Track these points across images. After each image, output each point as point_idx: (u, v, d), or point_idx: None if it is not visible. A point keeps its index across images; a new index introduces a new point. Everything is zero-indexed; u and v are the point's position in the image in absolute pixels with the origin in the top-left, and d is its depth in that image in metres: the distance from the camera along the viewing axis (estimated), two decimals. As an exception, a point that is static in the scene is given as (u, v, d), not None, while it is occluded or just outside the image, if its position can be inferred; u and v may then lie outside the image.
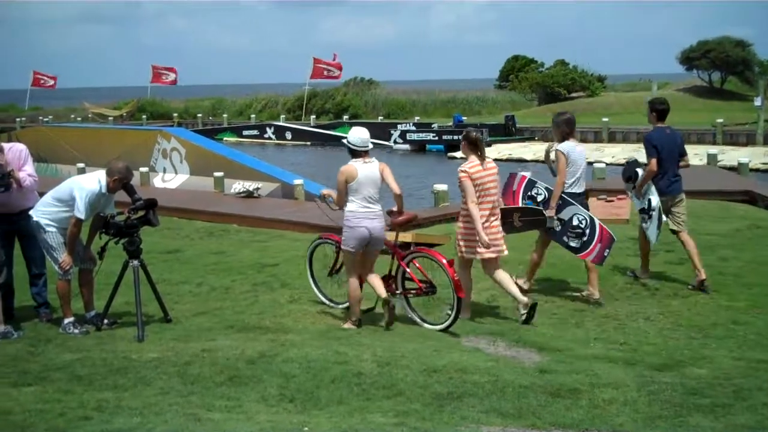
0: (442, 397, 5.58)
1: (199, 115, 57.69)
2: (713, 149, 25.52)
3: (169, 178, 20.99)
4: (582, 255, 8.54)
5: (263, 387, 5.82)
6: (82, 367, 6.36)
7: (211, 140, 23.98)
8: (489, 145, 36.28)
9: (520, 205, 8.77)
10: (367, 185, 7.54)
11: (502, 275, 8.07)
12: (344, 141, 7.76)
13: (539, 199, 8.77)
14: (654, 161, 9.04)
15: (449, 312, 7.59)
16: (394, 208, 7.89)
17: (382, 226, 7.67)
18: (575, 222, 8.47)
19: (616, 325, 7.83)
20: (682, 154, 9.38)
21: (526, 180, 8.98)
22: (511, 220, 8.52)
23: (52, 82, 65.43)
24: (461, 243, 8.02)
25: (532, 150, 34.91)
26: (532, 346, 7.03)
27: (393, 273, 8.06)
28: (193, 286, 9.66)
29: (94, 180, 7.54)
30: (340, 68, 53.95)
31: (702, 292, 8.80)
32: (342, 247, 7.81)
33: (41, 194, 7.92)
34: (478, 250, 7.87)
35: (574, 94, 55.98)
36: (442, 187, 16.43)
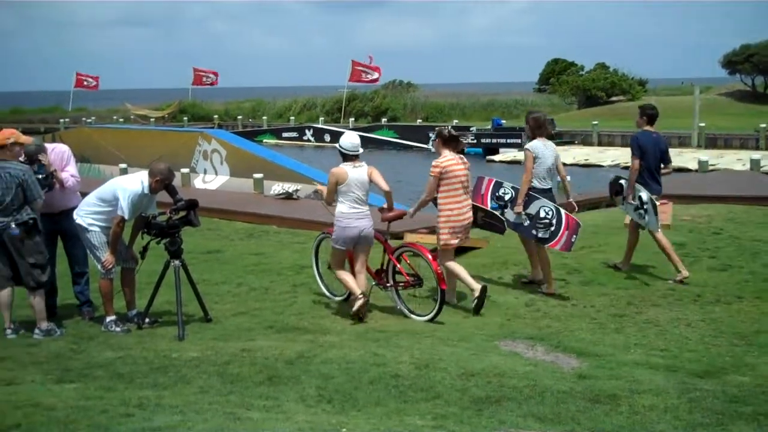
0: (480, 400, 5.57)
1: (240, 117, 58.08)
2: (756, 154, 25.10)
3: (210, 180, 21.13)
4: (551, 244, 8.89)
5: (302, 387, 5.85)
6: (123, 365, 6.44)
7: (250, 142, 24.08)
8: (528, 148, 36.02)
9: (488, 207, 9.33)
10: (356, 187, 8.08)
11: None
12: (337, 146, 8.36)
13: (507, 198, 9.31)
14: (637, 162, 9.46)
15: (435, 303, 8.15)
16: (385, 205, 8.45)
17: (370, 225, 8.20)
18: (542, 214, 8.88)
19: (657, 331, 7.74)
20: (666, 160, 9.77)
21: (494, 182, 9.54)
22: (476, 217, 8.97)
23: (94, 83, 66.29)
24: (441, 233, 8.54)
25: (572, 154, 34.65)
26: (571, 351, 6.99)
27: (384, 267, 8.58)
28: (233, 287, 9.74)
29: (137, 181, 7.64)
30: (378, 71, 53.99)
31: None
32: (332, 244, 8.36)
33: (84, 194, 8.04)
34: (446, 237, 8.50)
35: (614, 98, 55.45)
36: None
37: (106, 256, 7.67)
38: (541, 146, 9.08)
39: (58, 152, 8.14)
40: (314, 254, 9.40)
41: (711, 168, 22.76)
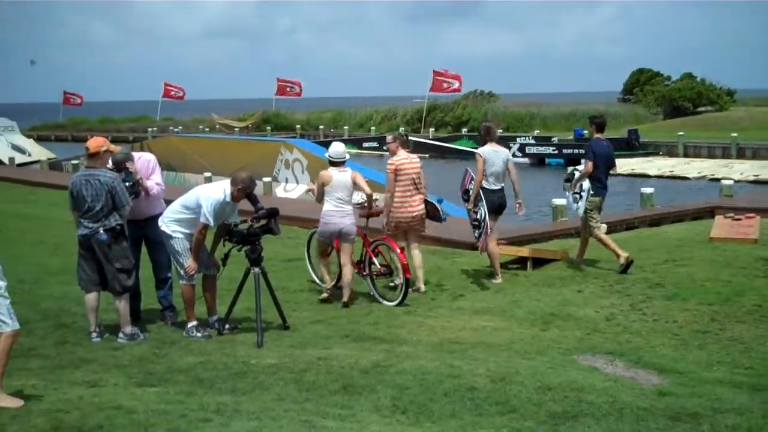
0: (556, 415, 5.49)
1: (321, 126, 58.72)
2: None
3: (291, 188, 21.42)
4: (479, 244, 10.14)
5: (377, 397, 5.87)
6: (203, 371, 6.57)
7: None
8: (611, 159, 35.40)
9: (462, 196, 10.46)
10: (339, 189, 9.21)
11: (416, 253, 9.96)
12: (326, 154, 9.55)
13: (471, 192, 10.31)
14: (590, 164, 10.50)
15: (401, 289, 9.28)
16: (365, 203, 9.65)
17: (351, 222, 9.32)
18: (478, 216, 10.01)
19: (742, 349, 7.51)
20: (612, 164, 10.88)
21: (470, 177, 10.39)
22: (428, 208, 10.04)
23: (181, 93, 67.86)
24: (389, 221, 9.79)
25: (656, 165, 33.93)
26: (652, 368, 6.83)
27: (363, 258, 9.80)
28: (311, 294, 9.83)
29: (220, 189, 7.78)
30: (459, 80, 53.82)
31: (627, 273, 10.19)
32: (317, 236, 9.60)
33: (168, 202, 8.23)
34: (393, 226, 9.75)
35: (701, 108, 54.16)
36: (560, 201, 15.69)
37: (189, 262, 7.83)
38: (491, 151, 10.21)
39: (144, 161, 8.36)
40: (307, 247, 10.66)
41: (802, 181, 22.01)
